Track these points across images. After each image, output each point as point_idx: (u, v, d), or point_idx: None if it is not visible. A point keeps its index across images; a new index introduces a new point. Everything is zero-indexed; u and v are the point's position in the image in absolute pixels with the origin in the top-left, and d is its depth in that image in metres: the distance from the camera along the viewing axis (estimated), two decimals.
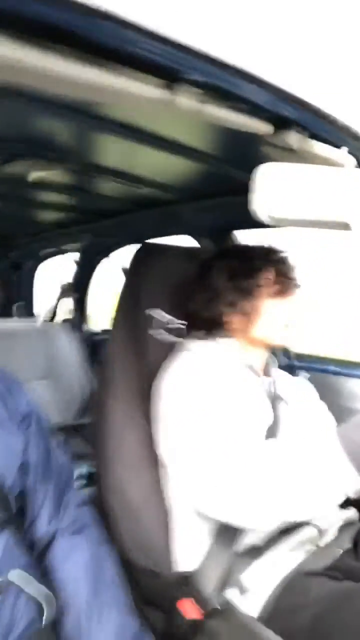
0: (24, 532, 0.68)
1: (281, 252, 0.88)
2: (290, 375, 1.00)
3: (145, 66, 0.49)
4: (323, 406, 1.03)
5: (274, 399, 0.87)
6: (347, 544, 0.86)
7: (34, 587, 0.61)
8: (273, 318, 0.84)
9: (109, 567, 0.69)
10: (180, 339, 0.93)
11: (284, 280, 0.84)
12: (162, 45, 0.46)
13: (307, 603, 0.72)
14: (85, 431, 1.77)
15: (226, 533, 0.76)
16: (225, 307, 0.84)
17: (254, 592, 0.75)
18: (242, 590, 0.75)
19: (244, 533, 0.76)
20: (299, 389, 0.96)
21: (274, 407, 0.86)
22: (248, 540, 0.77)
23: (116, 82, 0.50)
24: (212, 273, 0.86)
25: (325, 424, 0.94)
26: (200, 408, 0.76)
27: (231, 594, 0.75)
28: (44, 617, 0.61)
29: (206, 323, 0.88)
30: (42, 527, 0.69)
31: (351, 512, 0.90)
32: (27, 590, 0.61)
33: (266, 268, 0.84)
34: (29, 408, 0.73)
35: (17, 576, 0.60)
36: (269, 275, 0.84)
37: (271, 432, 0.82)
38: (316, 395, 1.02)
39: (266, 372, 0.91)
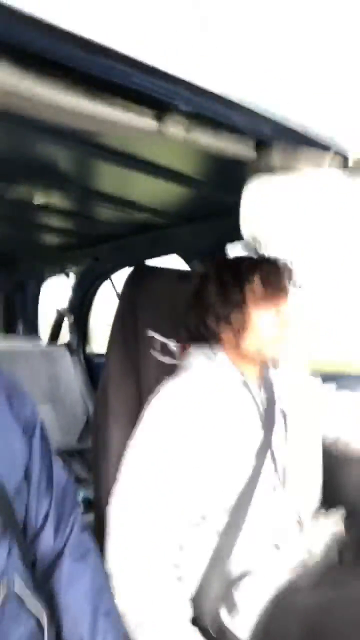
0: (28, 544, 0.67)
1: (270, 259, 0.84)
2: (289, 375, 0.96)
3: (136, 97, 0.53)
4: (341, 396, 1.00)
5: (269, 412, 0.85)
6: (333, 555, 0.85)
7: (34, 601, 0.61)
8: (262, 329, 0.81)
9: (108, 596, 0.68)
10: (179, 361, 0.93)
11: (272, 289, 0.82)
12: (151, 76, 0.49)
13: (296, 618, 0.72)
14: (86, 456, 1.75)
15: (218, 555, 0.76)
16: (215, 321, 0.83)
17: (244, 612, 0.74)
18: (233, 610, 0.74)
19: (234, 555, 0.76)
20: (298, 394, 0.93)
21: (270, 420, 0.84)
22: (241, 565, 0.76)
23: (109, 112, 0.53)
24: (205, 287, 0.85)
25: (314, 433, 0.92)
26: (164, 457, 0.76)
27: (223, 614, 0.74)
28: (45, 631, 0.61)
29: (203, 338, 0.87)
30: (47, 542, 0.68)
31: (338, 525, 0.89)
32: (28, 602, 0.60)
33: (253, 277, 0.81)
34: (33, 416, 0.73)
35: (19, 586, 0.60)
36: (255, 284, 0.81)
37: (264, 449, 0.81)
38: (323, 394, 0.99)
39: (262, 383, 0.89)
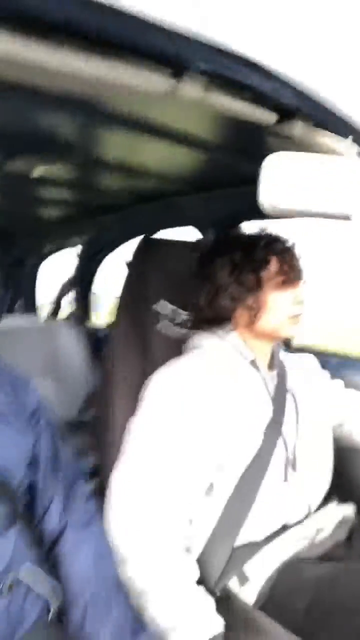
0: (34, 527, 0.68)
1: (284, 240, 0.85)
2: (297, 359, 0.97)
3: (149, 57, 0.49)
4: (338, 384, 1.01)
5: (280, 393, 0.86)
6: (342, 536, 0.87)
7: (43, 581, 0.62)
8: (279, 310, 0.82)
9: (112, 561, 0.70)
10: (188, 334, 0.92)
11: (288, 271, 0.82)
12: (166, 35, 0.45)
13: (302, 586, 0.73)
14: (88, 427, 1.77)
15: (226, 524, 0.77)
16: (229, 302, 0.83)
17: (253, 580, 0.76)
18: (243, 580, 0.76)
19: (243, 527, 0.77)
20: (305, 376, 0.95)
21: (280, 400, 0.85)
22: (247, 536, 0.78)
23: (120, 74, 0.49)
24: (215, 267, 0.84)
25: (323, 421, 0.93)
26: (170, 429, 0.76)
27: (232, 584, 0.76)
28: (51, 611, 0.62)
29: (211, 318, 0.86)
30: (52, 521, 0.70)
31: (349, 509, 0.90)
32: (37, 585, 0.61)
33: (269, 259, 0.82)
34: (37, 404, 0.73)
35: (27, 571, 0.61)
36: (272, 266, 0.82)
37: (273, 427, 0.81)
38: (322, 376, 1.00)
39: (273, 364, 0.90)
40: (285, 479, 0.81)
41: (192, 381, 0.79)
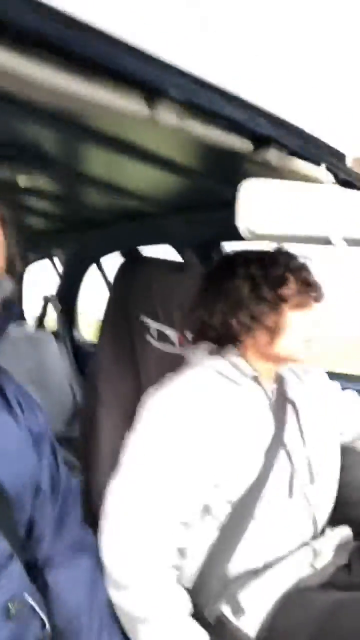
0: (31, 553, 0.67)
1: (302, 257, 0.81)
2: (301, 371, 0.94)
3: (126, 80, 0.50)
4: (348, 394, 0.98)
5: (279, 406, 0.82)
6: (342, 561, 0.84)
7: (43, 609, 0.62)
8: (296, 332, 0.78)
9: (104, 589, 0.68)
10: (185, 354, 0.90)
11: (309, 290, 0.79)
12: (142, 61, 0.46)
13: (305, 618, 0.71)
14: (73, 442, 1.75)
15: (219, 551, 0.75)
16: (247, 320, 0.78)
17: (250, 612, 0.73)
18: (238, 610, 0.73)
19: (238, 554, 0.75)
20: (311, 391, 0.91)
21: (280, 413, 0.81)
22: (245, 562, 0.75)
23: (99, 94, 0.50)
24: (234, 282, 0.79)
25: (330, 432, 0.90)
26: (168, 452, 0.73)
27: (226, 612, 0.73)
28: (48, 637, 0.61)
29: (221, 335, 0.82)
30: (45, 547, 0.68)
31: (346, 531, 0.88)
32: (36, 613, 0.60)
33: (289, 277, 0.78)
34: (44, 424, 0.71)
35: (31, 600, 0.60)
36: (292, 285, 0.78)
37: (274, 442, 0.78)
38: (333, 391, 0.97)
39: (279, 379, 0.86)
40: (291, 495, 0.77)
41: (192, 402, 0.76)
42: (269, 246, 0.84)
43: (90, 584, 0.67)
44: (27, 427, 0.68)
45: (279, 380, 0.86)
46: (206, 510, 0.75)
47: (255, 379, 0.81)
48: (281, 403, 0.83)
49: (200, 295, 0.85)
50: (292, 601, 0.74)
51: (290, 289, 0.78)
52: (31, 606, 0.60)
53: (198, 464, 0.73)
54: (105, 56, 0.45)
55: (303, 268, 0.80)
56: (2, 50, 0.42)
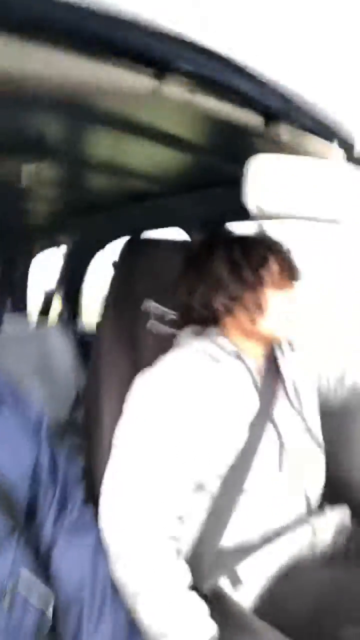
0: (32, 535, 0.69)
1: (281, 241, 0.85)
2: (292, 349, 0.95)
3: (134, 56, 0.49)
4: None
5: (268, 381, 0.84)
6: (340, 541, 0.86)
7: (41, 589, 0.63)
8: (277, 311, 0.81)
9: (104, 563, 0.70)
10: (176, 333, 0.91)
11: (287, 270, 0.82)
12: (151, 35, 0.45)
13: (303, 592, 0.72)
14: (77, 427, 1.76)
15: (212, 524, 0.77)
16: (227, 301, 0.80)
17: (248, 584, 0.75)
18: (236, 582, 0.75)
19: (231, 527, 0.76)
20: (299, 365, 0.93)
21: (268, 389, 0.83)
22: (241, 535, 0.77)
23: (104, 73, 0.49)
24: (213, 264, 0.81)
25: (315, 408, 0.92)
26: (156, 429, 0.75)
27: (225, 586, 0.75)
28: (48, 617, 0.62)
29: (204, 317, 0.84)
30: (48, 529, 0.70)
31: (345, 512, 0.89)
32: (33, 596, 0.62)
33: (270, 259, 0.80)
34: (39, 418, 0.74)
35: (24, 581, 0.61)
36: (272, 266, 0.80)
37: (260, 417, 0.80)
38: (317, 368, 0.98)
39: (267, 357, 0.88)
40: (281, 469, 0.80)
41: (175, 382, 0.78)
42: (249, 229, 0.86)
43: (92, 561, 0.69)
44: (22, 418, 0.71)
45: (269, 358, 0.88)
46: (200, 486, 0.77)
47: (238, 356, 0.83)
48: (270, 379, 0.85)
49: (181, 277, 0.86)
50: (289, 574, 0.75)
51: (270, 270, 0.80)
52: (28, 591, 0.61)
53: (184, 438, 0.75)
54: (111, 33, 0.44)
55: (283, 250, 0.83)
56: (4, 33, 0.41)
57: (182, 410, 0.76)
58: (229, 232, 0.87)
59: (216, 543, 0.76)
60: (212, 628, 0.66)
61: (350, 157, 0.65)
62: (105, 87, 0.51)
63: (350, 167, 0.66)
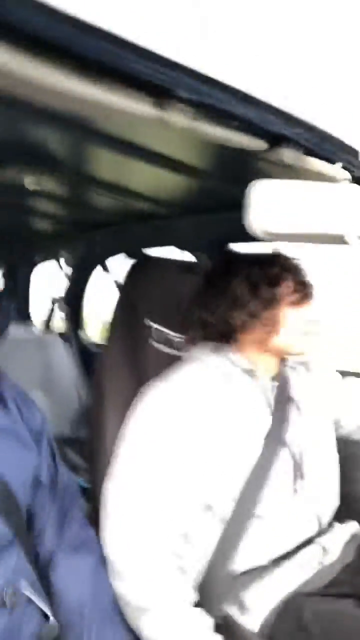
0: (31, 546, 0.68)
1: (297, 259, 0.87)
2: (306, 370, 0.96)
3: (136, 83, 0.49)
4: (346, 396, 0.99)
5: (280, 402, 0.84)
6: (349, 558, 0.85)
7: (41, 601, 0.62)
8: (293, 326, 0.83)
9: (105, 581, 0.69)
10: (185, 353, 0.91)
11: (303, 288, 0.84)
12: (152, 62, 0.45)
13: (304, 626, 0.71)
14: (80, 444, 1.75)
15: (223, 550, 0.75)
16: (246, 317, 0.82)
17: (254, 611, 0.74)
18: (243, 609, 0.74)
19: (242, 552, 0.75)
20: (313, 385, 0.94)
21: (281, 410, 0.83)
22: (252, 559, 0.76)
23: (107, 97, 0.49)
24: (232, 282, 0.83)
25: (329, 427, 0.92)
26: (163, 445, 0.75)
27: (231, 611, 0.74)
28: (48, 632, 0.62)
29: (221, 333, 0.85)
30: (47, 543, 0.70)
31: (355, 527, 0.89)
32: (33, 603, 0.61)
33: (285, 276, 0.83)
34: (42, 424, 0.74)
35: (26, 589, 0.61)
36: (288, 283, 0.83)
37: (273, 438, 0.79)
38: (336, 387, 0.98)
39: (280, 373, 0.89)
40: (295, 492, 0.80)
41: (185, 398, 0.78)
42: (265, 248, 0.89)
43: (93, 579, 0.68)
44: (25, 425, 0.70)
45: (282, 379, 0.88)
46: (208, 507, 0.76)
47: (252, 373, 0.84)
48: (283, 401, 0.85)
49: (199, 295, 0.88)
50: (295, 604, 0.74)
51: (286, 287, 0.83)
52: (28, 597, 0.60)
53: (192, 453, 0.75)
54: (114, 59, 0.45)
55: (297, 267, 0.86)
56: (10, 53, 0.42)
57: (192, 426, 0.76)
58: (245, 252, 0.90)
59: (227, 569, 0.75)
60: None
61: (355, 178, 0.65)
62: (108, 110, 0.51)
63: (355, 187, 0.65)
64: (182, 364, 0.86)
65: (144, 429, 0.78)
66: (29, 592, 0.61)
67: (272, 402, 0.84)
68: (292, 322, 0.83)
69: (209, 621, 0.69)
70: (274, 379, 0.87)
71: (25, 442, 0.70)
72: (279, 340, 0.83)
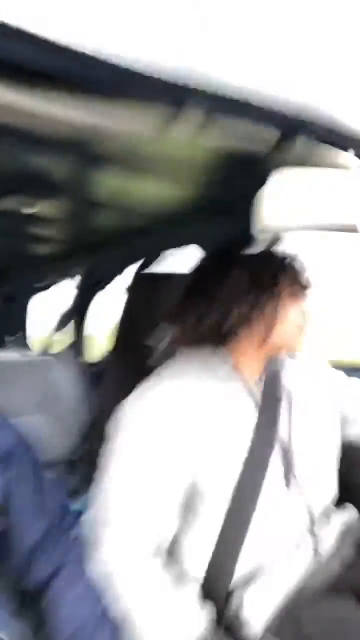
0: (16, 577, 0.66)
1: (293, 255, 0.86)
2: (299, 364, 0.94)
3: (140, 102, 0.49)
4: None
5: (268, 398, 0.83)
6: (348, 549, 0.83)
7: (17, 630, 0.60)
8: (291, 323, 0.83)
9: (101, 600, 0.67)
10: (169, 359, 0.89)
11: (301, 284, 0.84)
12: (154, 82, 0.45)
13: (306, 635, 0.70)
14: (81, 467, 1.70)
15: (225, 546, 0.74)
16: (246, 308, 0.80)
17: (257, 608, 0.73)
18: (247, 609, 0.73)
19: (247, 547, 0.74)
20: (311, 382, 0.93)
21: (269, 406, 0.82)
22: (253, 558, 0.75)
23: (114, 119, 0.49)
24: (229, 282, 0.81)
25: (329, 424, 0.90)
26: (147, 454, 0.74)
27: (234, 611, 0.73)
28: None
29: (218, 335, 0.83)
30: (41, 569, 0.67)
31: (352, 512, 0.88)
32: (11, 633, 0.58)
33: (284, 273, 0.83)
34: (12, 446, 0.69)
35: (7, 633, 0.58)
36: (287, 276, 0.83)
37: (261, 437, 0.78)
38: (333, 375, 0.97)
39: (269, 372, 0.87)
40: (288, 486, 0.79)
41: (169, 404, 0.77)
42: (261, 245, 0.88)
43: (92, 596, 0.67)
44: None
45: (271, 375, 0.87)
46: (195, 508, 0.75)
47: (236, 374, 0.83)
48: (273, 397, 0.84)
49: (195, 290, 0.85)
50: (298, 605, 0.73)
51: (286, 279, 0.82)
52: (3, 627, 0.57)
53: (177, 463, 0.74)
54: (122, 82, 0.45)
55: (295, 261, 0.86)
56: (9, 86, 0.42)
57: (175, 431, 0.75)
58: (243, 250, 0.88)
59: (230, 570, 0.74)
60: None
61: None
62: (114, 131, 0.51)
63: None
64: (165, 368, 0.85)
65: (122, 445, 0.76)
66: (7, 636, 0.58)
67: (259, 401, 0.82)
68: (289, 318, 0.82)
69: (204, 613, 0.68)
70: (260, 378, 0.85)
71: None
72: (277, 337, 0.82)
